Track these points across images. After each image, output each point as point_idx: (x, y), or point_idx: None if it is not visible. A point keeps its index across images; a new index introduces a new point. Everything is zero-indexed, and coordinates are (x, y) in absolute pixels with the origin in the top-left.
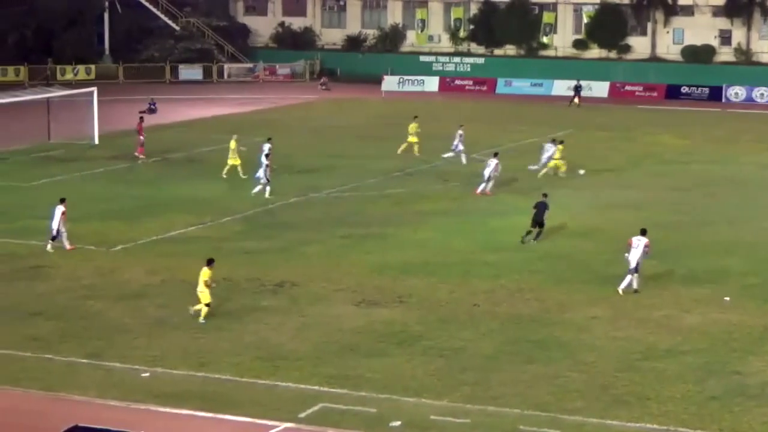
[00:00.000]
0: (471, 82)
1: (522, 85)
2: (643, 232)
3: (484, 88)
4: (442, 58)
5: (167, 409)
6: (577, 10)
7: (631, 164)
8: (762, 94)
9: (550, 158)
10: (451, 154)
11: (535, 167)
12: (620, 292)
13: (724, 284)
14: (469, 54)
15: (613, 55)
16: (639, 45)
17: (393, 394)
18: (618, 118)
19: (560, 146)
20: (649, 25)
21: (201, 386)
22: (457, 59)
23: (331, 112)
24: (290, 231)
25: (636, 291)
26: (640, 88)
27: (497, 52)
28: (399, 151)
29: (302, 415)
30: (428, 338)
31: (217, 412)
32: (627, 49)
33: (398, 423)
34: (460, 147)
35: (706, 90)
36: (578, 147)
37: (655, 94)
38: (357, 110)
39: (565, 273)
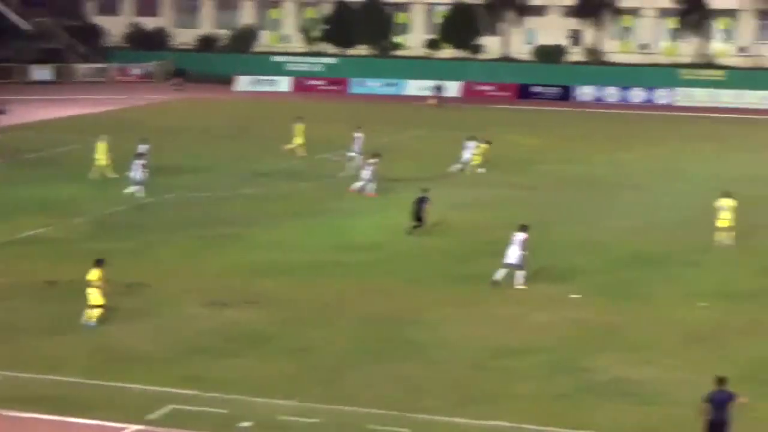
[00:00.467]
0: (324, 82)
1: (375, 85)
2: (523, 228)
3: (337, 88)
4: (295, 58)
5: (12, 413)
6: (430, 10)
7: (484, 163)
8: (611, 94)
9: (471, 156)
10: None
11: (458, 166)
12: (497, 279)
13: (573, 282)
14: (322, 54)
15: (465, 54)
16: (491, 45)
17: (243, 395)
18: (471, 117)
19: (484, 146)
20: (502, 25)
21: (50, 389)
22: (310, 59)
23: (185, 112)
24: (143, 232)
25: (519, 287)
26: (493, 88)
27: (350, 52)
28: (285, 149)
29: (151, 416)
30: (279, 338)
31: (64, 415)
32: (479, 48)
33: (248, 423)
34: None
35: (557, 89)
36: (432, 147)
37: (507, 93)
38: (210, 111)
39: (417, 272)
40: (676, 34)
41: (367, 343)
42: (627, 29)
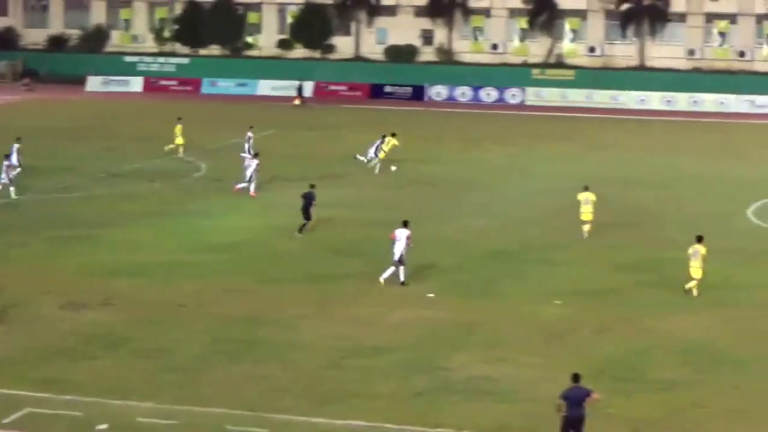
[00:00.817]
0: (176, 83)
1: (227, 85)
2: (405, 224)
3: (190, 88)
4: (146, 59)
5: None
6: (282, 10)
7: (339, 163)
8: (463, 93)
9: (378, 151)
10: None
11: (362, 158)
12: (382, 281)
13: (430, 281)
14: (173, 54)
15: (317, 54)
16: (343, 45)
17: (100, 397)
18: (324, 117)
19: (391, 139)
20: (353, 25)
21: None
22: (161, 59)
23: (36, 113)
24: None
25: (403, 283)
26: (345, 88)
27: (202, 52)
28: (166, 149)
29: (6, 420)
30: (135, 340)
31: None
32: (331, 48)
33: (105, 426)
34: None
35: (409, 89)
36: (285, 147)
37: (359, 93)
38: (61, 111)
39: (272, 272)
40: (526, 35)
41: (225, 343)
42: (478, 29)
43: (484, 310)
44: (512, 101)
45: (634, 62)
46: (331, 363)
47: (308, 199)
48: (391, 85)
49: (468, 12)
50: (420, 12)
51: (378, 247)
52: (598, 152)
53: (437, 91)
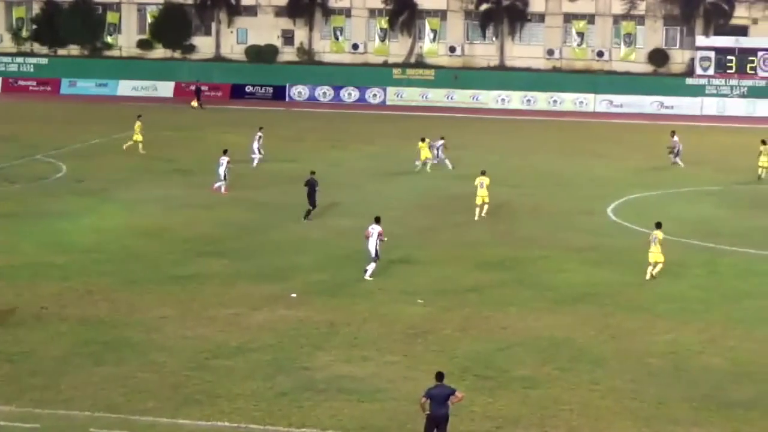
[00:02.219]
0: (35, 83)
1: (87, 86)
2: (377, 220)
3: (48, 88)
4: (4, 59)
5: None
6: (141, 9)
7: (201, 164)
8: (324, 93)
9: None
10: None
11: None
12: (367, 278)
13: (292, 281)
14: (32, 54)
15: (178, 55)
16: (204, 45)
17: None
18: (185, 117)
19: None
20: (213, 25)
21: None
22: (20, 59)
23: None
24: None
25: (367, 276)
26: (206, 88)
27: (61, 52)
28: (124, 147)
29: None
30: None
31: None
32: (192, 49)
33: None
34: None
35: (270, 89)
36: (147, 148)
37: (220, 93)
38: None
39: (134, 273)
40: (387, 35)
41: (87, 345)
42: (339, 29)
43: (347, 310)
44: (373, 101)
45: (494, 62)
46: (195, 364)
47: (311, 186)
48: (252, 85)
49: (328, 12)
50: (280, 12)
51: (239, 247)
52: (459, 151)
53: (298, 91)
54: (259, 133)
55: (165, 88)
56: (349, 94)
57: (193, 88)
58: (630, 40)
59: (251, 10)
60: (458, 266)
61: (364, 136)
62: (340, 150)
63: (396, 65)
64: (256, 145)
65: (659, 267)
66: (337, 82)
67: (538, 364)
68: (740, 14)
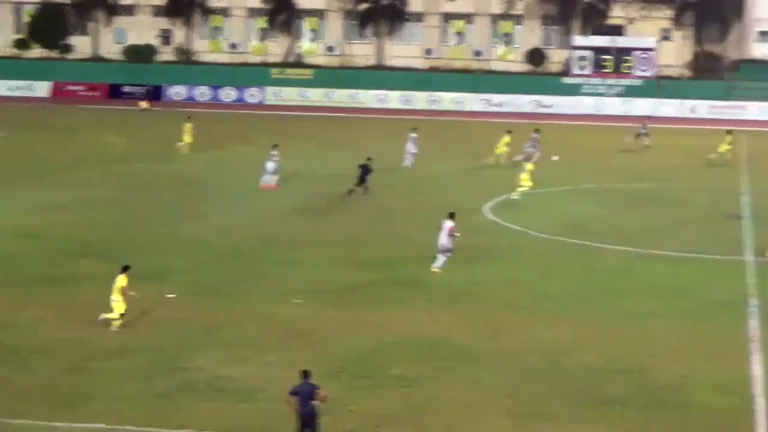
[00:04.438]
0: None
1: None
2: (451, 216)
3: None
4: None
5: None
6: (18, 9)
7: (76, 164)
8: (202, 93)
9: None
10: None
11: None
12: (433, 269)
13: (170, 281)
14: None
15: (55, 54)
16: (81, 44)
17: None
18: (61, 118)
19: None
20: (91, 25)
21: None
22: None
23: None
24: None
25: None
26: (83, 88)
27: None
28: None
29: None
30: None
31: None
32: (69, 48)
33: None
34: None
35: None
36: (19, 149)
37: (97, 93)
38: None
39: (7, 276)
40: (265, 34)
41: None
42: (217, 29)
43: (225, 310)
44: (252, 101)
45: (372, 61)
46: (71, 366)
47: (365, 170)
48: (130, 85)
49: (207, 12)
50: (158, 12)
51: (114, 248)
52: (338, 151)
53: (176, 91)
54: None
55: (42, 88)
56: (227, 93)
57: (144, 89)
58: (508, 39)
59: (129, 10)
60: (335, 266)
61: (242, 136)
62: (218, 150)
63: (275, 65)
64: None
65: None
66: (214, 82)
67: (416, 363)
68: (616, 14)
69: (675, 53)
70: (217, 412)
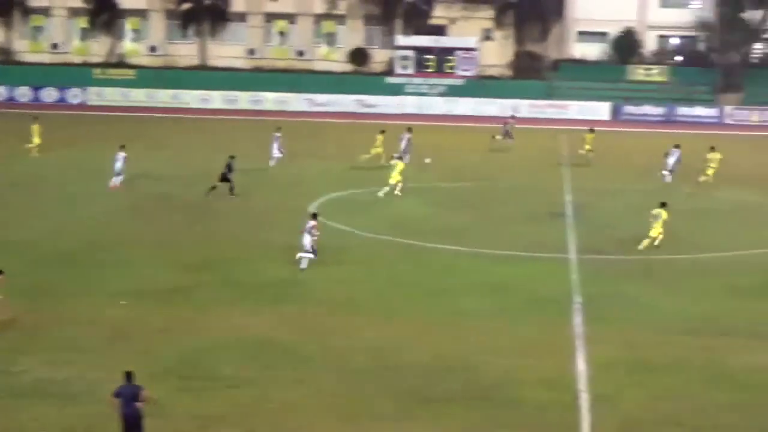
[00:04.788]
0: None
1: None
2: (314, 216)
3: None
4: None
5: None
6: None
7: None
8: (23, 94)
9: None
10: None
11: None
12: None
13: None
14: None
15: None
16: None
17: None
18: None
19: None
20: None
21: None
22: None
23: None
24: None
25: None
26: None
27: None
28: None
29: None
30: None
31: None
32: None
33: None
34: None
35: None
36: None
37: None
38: None
39: None
40: (87, 34)
41: None
42: (38, 29)
43: (50, 312)
44: (73, 101)
45: (195, 61)
46: None
47: (228, 168)
48: None
49: (27, 11)
50: None
51: None
52: (162, 151)
53: None
54: (277, 134)
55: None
56: (49, 94)
57: None
58: (331, 39)
59: None
60: (164, 267)
61: (64, 137)
62: (42, 151)
63: (97, 65)
64: (275, 145)
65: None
66: (36, 83)
67: (243, 364)
68: (439, 14)
69: (496, 53)
70: (42, 416)
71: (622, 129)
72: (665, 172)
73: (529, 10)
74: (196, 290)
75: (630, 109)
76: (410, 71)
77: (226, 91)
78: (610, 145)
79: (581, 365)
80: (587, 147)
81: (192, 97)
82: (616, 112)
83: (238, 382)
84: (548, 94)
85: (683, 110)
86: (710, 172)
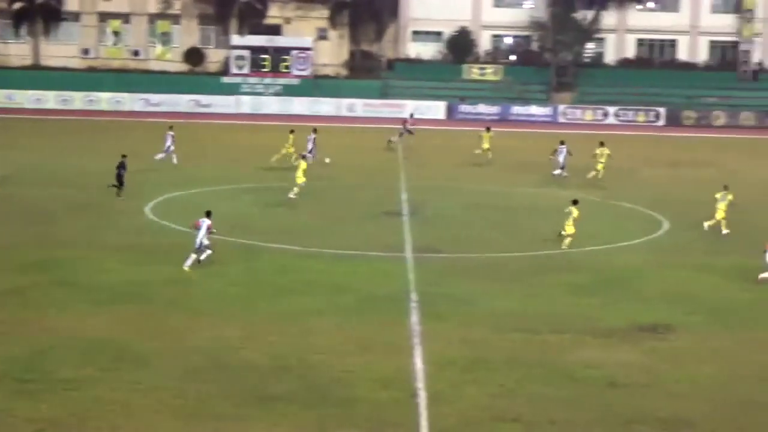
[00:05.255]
0: None
1: None
2: (208, 214)
3: None
4: None
5: None
6: None
7: None
8: None
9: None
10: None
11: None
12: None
13: None
14: None
15: None
16: None
17: None
18: None
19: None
20: None
21: None
22: None
23: None
24: None
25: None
26: None
27: None
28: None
29: None
30: None
31: None
32: None
33: None
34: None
35: None
36: None
37: None
38: None
39: None
40: None
41: None
42: None
43: None
44: None
45: (28, 61)
46: None
47: (121, 167)
48: None
49: None
50: None
51: None
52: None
53: None
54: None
55: None
56: None
57: None
58: (166, 39)
59: None
60: None
61: None
62: None
63: None
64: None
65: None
66: None
67: (80, 366)
68: (274, 14)
69: (332, 52)
70: None
71: (457, 128)
72: (558, 171)
73: (364, 9)
74: (31, 291)
75: (465, 108)
76: (246, 71)
77: (60, 92)
78: (446, 144)
79: (418, 363)
80: (485, 146)
81: (25, 98)
82: (451, 111)
83: (76, 384)
84: (383, 94)
85: (518, 109)
86: (600, 167)
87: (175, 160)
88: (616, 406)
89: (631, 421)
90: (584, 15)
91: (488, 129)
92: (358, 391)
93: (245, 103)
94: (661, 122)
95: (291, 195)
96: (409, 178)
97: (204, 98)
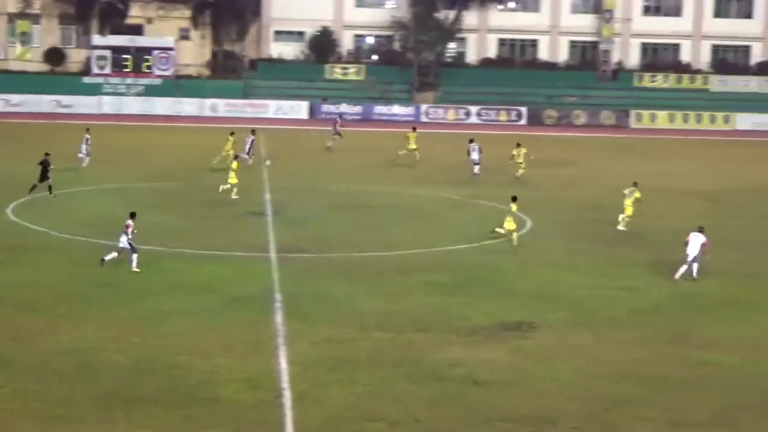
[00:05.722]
0: None
1: None
2: (132, 216)
3: None
4: None
5: None
6: None
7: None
8: None
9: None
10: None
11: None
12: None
13: None
14: None
15: None
16: None
17: None
18: None
19: None
20: None
21: None
22: None
23: None
24: None
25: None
26: None
27: None
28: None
29: None
30: None
31: None
32: None
33: None
34: None
35: None
36: None
37: None
38: None
39: None
40: None
41: None
42: None
43: None
44: None
45: None
46: None
47: (45, 165)
48: None
49: None
50: None
51: None
52: None
53: None
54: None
55: None
56: None
57: None
58: (26, 38)
59: None
60: None
61: None
62: None
63: None
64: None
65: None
66: None
67: None
68: (135, 14)
69: (194, 53)
70: None
71: (320, 127)
72: (475, 169)
73: (226, 9)
74: None
75: (328, 107)
76: (107, 71)
77: None
78: (306, 144)
79: (283, 363)
80: (412, 146)
81: None
82: (314, 111)
83: None
84: (246, 94)
85: (380, 109)
86: (523, 166)
87: (84, 164)
88: (480, 404)
89: (495, 418)
90: (446, 15)
91: (414, 129)
92: (224, 391)
93: (107, 104)
94: (523, 121)
95: (233, 196)
96: (272, 179)
97: (65, 98)
